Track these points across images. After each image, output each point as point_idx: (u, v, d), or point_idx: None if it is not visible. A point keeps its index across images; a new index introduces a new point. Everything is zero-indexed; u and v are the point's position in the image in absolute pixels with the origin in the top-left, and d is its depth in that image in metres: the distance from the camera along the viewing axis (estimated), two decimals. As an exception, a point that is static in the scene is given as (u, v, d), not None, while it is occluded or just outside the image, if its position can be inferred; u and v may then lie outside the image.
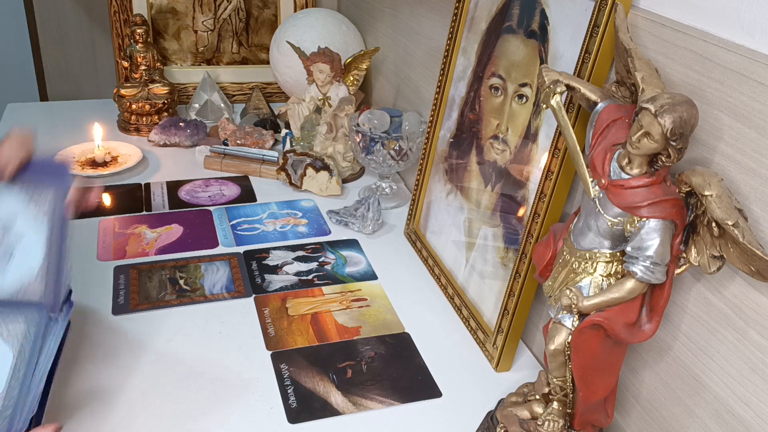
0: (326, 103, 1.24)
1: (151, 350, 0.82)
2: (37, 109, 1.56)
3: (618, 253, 0.59)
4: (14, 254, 0.65)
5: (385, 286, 0.97)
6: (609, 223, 0.57)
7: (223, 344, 0.84)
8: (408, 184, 1.27)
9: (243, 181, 1.25)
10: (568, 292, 0.59)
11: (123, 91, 1.42)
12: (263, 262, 1.01)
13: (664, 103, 0.51)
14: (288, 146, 1.30)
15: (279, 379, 0.79)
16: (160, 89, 1.43)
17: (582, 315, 0.60)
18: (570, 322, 0.61)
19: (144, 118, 1.43)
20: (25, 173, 0.68)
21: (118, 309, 0.89)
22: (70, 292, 0.71)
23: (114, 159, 1.28)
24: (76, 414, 0.72)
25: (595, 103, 0.62)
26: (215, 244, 1.05)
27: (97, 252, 1.01)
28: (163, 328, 0.86)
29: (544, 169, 0.74)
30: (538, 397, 0.70)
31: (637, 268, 0.56)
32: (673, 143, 0.52)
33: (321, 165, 1.20)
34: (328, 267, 1.00)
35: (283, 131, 1.36)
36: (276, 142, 1.36)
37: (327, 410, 0.75)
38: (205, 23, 1.55)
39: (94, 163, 1.26)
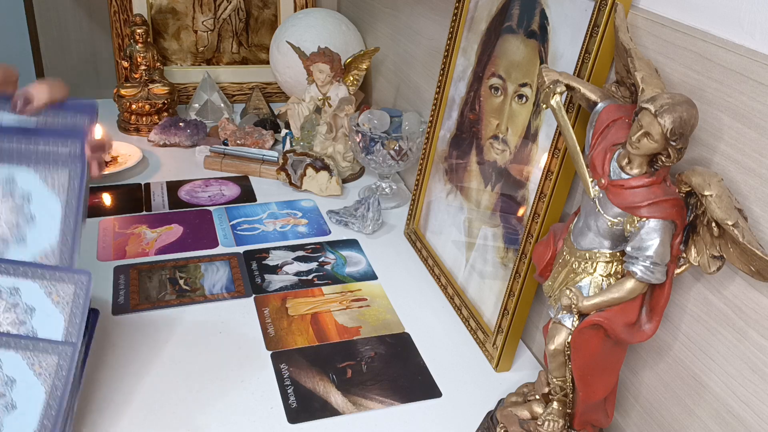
0: (326, 103, 1.24)
1: (151, 350, 0.82)
2: (37, 109, 1.56)
3: (618, 253, 0.59)
4: (29, 232, 0.66)
5: (385, 286, 0.97)
6: (609, 223, 0.57)
7: (223, 344, 0.84)
8: (408, 184, 1.27)
9: (243, 181, 1.25)
10: (568, 292, 0.59)
11: (123, 91, 1.42)
12: (263, 262, 1.01)
13: (664, 103, 0.51)
14: (288, 146, 1.30)
15: (279, 379, 0.79)
16: (160, 89, 1.43)
17: (582, 315, 0.60)
18: (570, 322, 0.61)
19: (144, 118, 1.43)
20: (51, 112, 0.68)
21: (118, 309, 0.89)
22: (96, 313, 0.71)
23: (114, 159, 1.28)
24: (75, 414, 0.72)
25: (595, 103, 0.62)
26: (215, 244, 1.05)
27: (97, 252, 1.01)
28: (163, 328, 0.86)
29: (544, 169, 0.74)
30: (538, 397, 0.70)
31: (637, 268, 0.56)
32: (673, 143, 0.52)
33: (321, 165, 1.20)
34: (328, 267, 1.00)
35: (283, 131, 1.37)
36: (276, 142, 1.36)
37: (327, 410, 0.75)
38: (205, 23, 1.55)
39: (94, 163, 1.26)
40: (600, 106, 0.61)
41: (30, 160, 0.67)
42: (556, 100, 0.60)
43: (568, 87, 0.62)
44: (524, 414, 0.69)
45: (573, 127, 0.61)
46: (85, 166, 0.67)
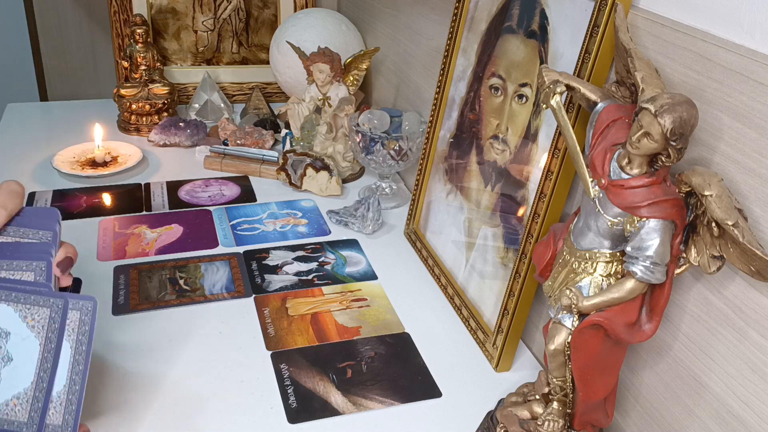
0: (326, 103, 1.24)
1: (151, 350, 0.82)
2: (37, 109, 1.56)
3: (618, 253, 0.59)
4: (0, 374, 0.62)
5: (385, 286, 0.97)
6: (609, 223, 0.57)
7: (223, 344, 0.84)
8: (408, 184, 1.27)
9: (243, 181, 1.25)
10: (568, 292, 0.59)
11: (123, 91, 1.42)
12: (263, 262, 1.01)
13: (664, 103, 0.51)
14: (288, 146, 1.30)
15: (279, 379, 0.79)
16: (160, 89, 1.43)
17: (582, 315, 0.60)
18: (570, 322, 0.61)
19: (144, 118, 1.43)
20: (12, 223, 0.66)
21: (118, 309, 0.89)
22: (78, 282, 0.70)
23: (114, 159, 1.28)
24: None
25: (595, 103, 0.62)
26: (215, 244, 1.05)
27: (97, 252, 1.01)
28: (163, 328, 0.86)
29: (544, 169, 0.74)
30: (538, 397, 0.70)
31: (637, 268, 0.56)
32: (673, 143, 0.52)
33: (321, 165, 1.20)
34: (328, 267, 1.00)
35: (283, 131, 1.37)
36: (276, 142, 1.36)
37: (327, 410, 0.75)
38: (205, 23, 1.55)
39: (94, 163, 1.26)
40: (600, 106, 0.61)
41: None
42: (556, 100, 0.60)
43: (568, 87, 0.62)
44: (524, 414, 0.69)
45: (573, 127, 0.61)
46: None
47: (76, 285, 0.72)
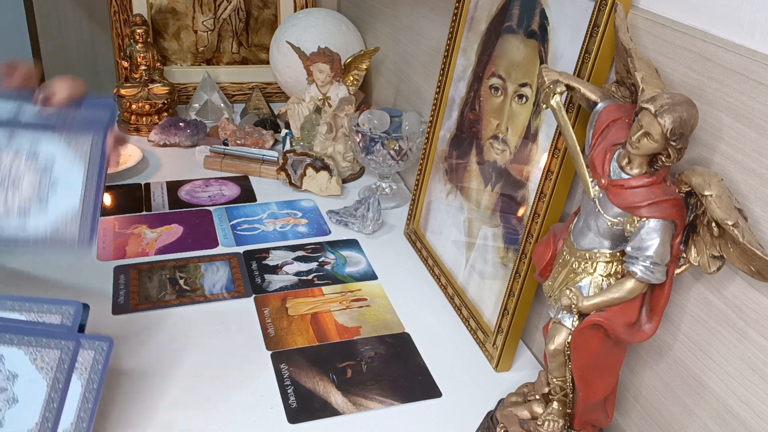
0: (326, 103, 1.24)
1: (151, 350, 0.82)
2: (37, 109, 1.56)
3: (618, 253, 0.59)
4: (51, 196, 0.68)
5: (385, 286, 0.97)
6: (609, 223, 0.57)
7: (223, 344, 0.84)
8: (408, 184, 1.27)
9: (243, 181, 1.25)
10: (568, 292, 0.59)
11: (123, 91, 1.42)
12: (263, 262, 1.01)
13: (664, 103, 0.51)
14: (288, 146, 1.30)
15: (279, 379, 0.79)
16: (160, 89, 1.43)
17: (582, 315, 0.60)
18: (570, 322, 0.61)
19: (144, 118, 1.43)
20: (72, 106, 0.71)
21: (118, 309, 0.89)
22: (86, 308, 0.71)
23: (114, 159, 1.28)
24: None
25: (595, 103, 0.62)
26: (215, 244, 1.05)
27: (97, 252, 1.01)
28: (163, 328, 0.86)
29: (544, 169, 0.74)
30: (538, 397, 0.70)
31: (637, 268, 0.56)
32: (673, 143, 0.52)
33: (321, 165, 1.20)
34: (328, 267, 1.00)
35: (283, 131, 1.37)
36: (276, 142, 1.36)
37: (327, 410, 0.75)
38: (205, 23, 1.55)
39: (94, 163, 1.26)
40: (600, 106, 0.61)
41: (55, 127, 0.69)
42: (556, 100, 0.60)
43: (568, 87, 0.62)
44: (524, 414, 0.69)
45: (573, 127, 0.61)
46: (105, 152, 0.70)
47: (84, 309, 0.72)
